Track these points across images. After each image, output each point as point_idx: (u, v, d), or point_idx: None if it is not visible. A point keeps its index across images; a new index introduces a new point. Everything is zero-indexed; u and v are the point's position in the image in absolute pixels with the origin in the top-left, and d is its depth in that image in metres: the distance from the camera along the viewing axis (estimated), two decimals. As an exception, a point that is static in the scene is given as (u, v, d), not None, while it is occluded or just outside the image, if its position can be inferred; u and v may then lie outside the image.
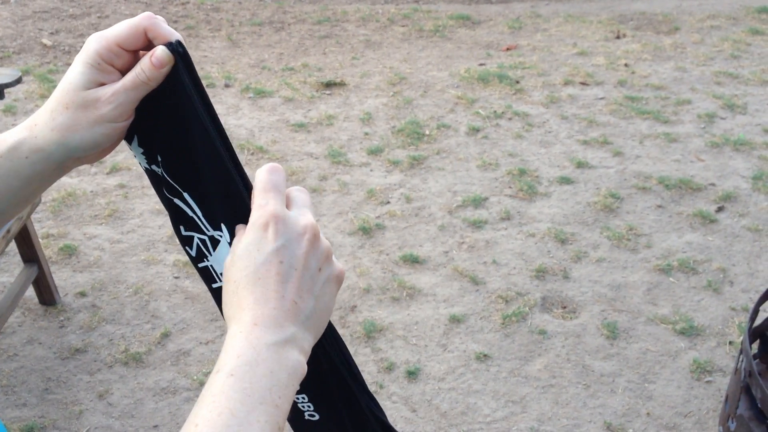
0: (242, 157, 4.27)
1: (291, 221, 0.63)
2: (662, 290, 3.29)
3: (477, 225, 3.72)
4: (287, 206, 0.66)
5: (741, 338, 2.82)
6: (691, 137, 4.62)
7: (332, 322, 0.65)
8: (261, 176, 0.66)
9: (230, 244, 0.69)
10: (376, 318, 3.10)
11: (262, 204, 0.64)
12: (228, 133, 0.77)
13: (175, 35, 0.66)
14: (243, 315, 0.60)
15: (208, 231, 0.71)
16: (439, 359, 2.90)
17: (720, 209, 3.87)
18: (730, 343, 2.99)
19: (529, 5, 7.34)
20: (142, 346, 2.94)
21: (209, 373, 2.73)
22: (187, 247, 0.74)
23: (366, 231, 3.65)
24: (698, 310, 3.18)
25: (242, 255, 0.62)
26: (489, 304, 3.19)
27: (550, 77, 5.49)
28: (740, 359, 2.31)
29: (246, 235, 0.63)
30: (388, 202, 3.91)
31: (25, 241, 2.90)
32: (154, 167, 0.72)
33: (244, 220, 0.66)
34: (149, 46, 0.67)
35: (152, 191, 3.95)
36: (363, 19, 6.82)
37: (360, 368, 2.90)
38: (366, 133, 4.63)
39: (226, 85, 5.29)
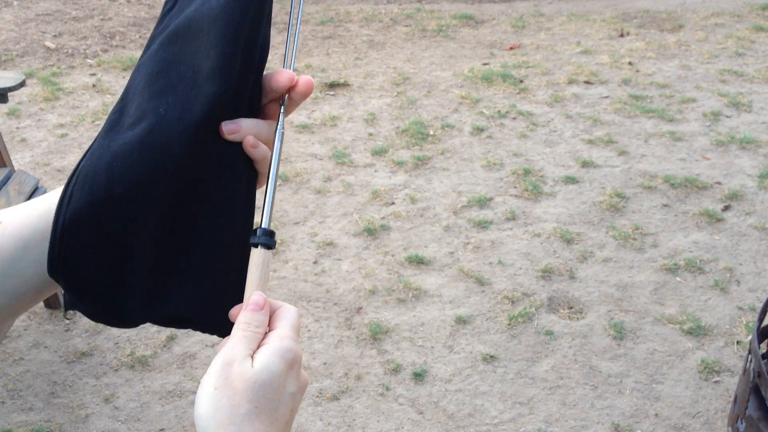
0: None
1: (302, 370, 0.66)
2: (669, 290, 3.28)
3: (482, 225, 3.70)
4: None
5: (749, 338, 2.81)
6: (697, 136, 4.60)
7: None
8: (295, 314, 0.67)
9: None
10: (382, 319, 3.09)
11: (293, 337, 0.65)
12: None
13: None
14: None
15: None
16: (445, 361, 2.89)
17: (726, 208, 3.86)
18: (738, 342, 2.98)
19: (532, 4, 7.33)
20: (148, 349, 2.94)
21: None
22: None
23: (371, 232, 3.64)
24: (705, 309, 3.17)
25: (268, 381, 0.62)
26: (495, 304, 3.18)
27: (554, 76, 5.47)
28: (749, 359, 2.30)
29: (273, 360, 0.63)
30: (393, 203, 3.90)
31: (30, 245, 2.90)
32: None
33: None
34: None
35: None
36: (366, 19, 6.81)
37: (366, 370, 2.90)
38: (370, 134, 4.62)
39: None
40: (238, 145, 0.66)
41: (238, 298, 0.67)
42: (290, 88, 0.69)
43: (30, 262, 0.64)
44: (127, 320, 0.67)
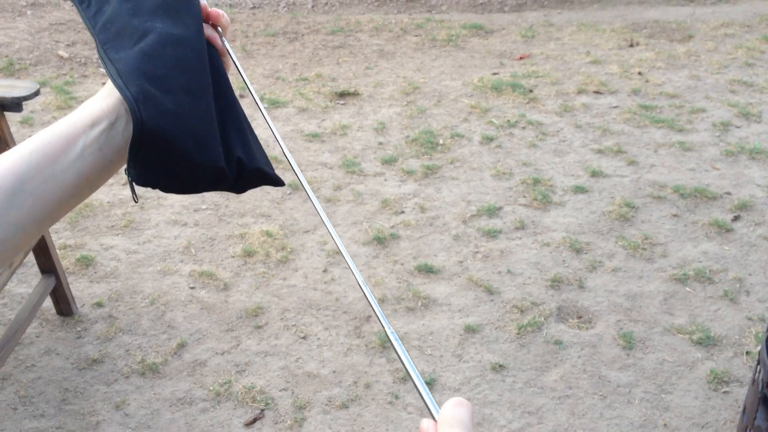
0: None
1: None
2: (678, 300, 3.28)
3: (491, 234, 3.71)
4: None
5: (758, 348, 2.80)
6: (706, 146, 4.60)
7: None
8: (445, 412, 0.62)
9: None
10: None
11: None
12: None
13: None
14: None
15: None
16: (454, 370, 2.90)
17: (736, 218, 3.85)
18: (747, 353, 2.97)
19: (542, 14, 7.35)
20: (159, 356, 2.96)
21: (225, 383, 2.71)
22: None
23: (380, 241, 3.65)
24: (715, 319, 3.16)
25: None
26: (504, 314, 3.19)
27: (563, 86, 5.49)
28: (758, 370, 2.30)
29: None
30: (403, 212, 3.91)
31: (43, 252, 2.93)
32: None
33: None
34: None
35: (168, 202, 3.98)
36: (376, 29, 6.84)
37: (375, 379, 2.90)
38: (380, 143, 4.65)
39: (241, 96, 5.32)
40: (214, 50, 0.83)
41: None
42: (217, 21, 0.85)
43: (28, 195, 0.70)
44: (212, 173, 0.77)
